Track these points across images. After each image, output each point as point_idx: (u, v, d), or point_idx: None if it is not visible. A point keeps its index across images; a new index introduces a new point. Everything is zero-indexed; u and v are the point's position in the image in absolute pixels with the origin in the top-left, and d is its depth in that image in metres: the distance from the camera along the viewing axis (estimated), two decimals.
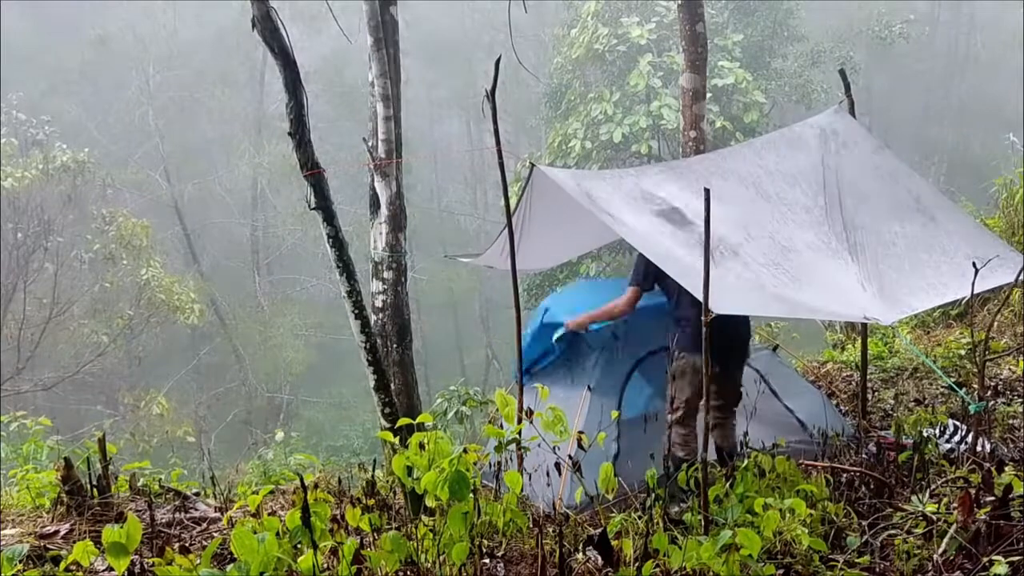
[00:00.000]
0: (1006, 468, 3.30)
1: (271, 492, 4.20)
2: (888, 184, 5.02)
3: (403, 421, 2.82)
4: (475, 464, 2.50)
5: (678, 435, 4.67)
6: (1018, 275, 4.08)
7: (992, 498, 2.84)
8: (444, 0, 29.54)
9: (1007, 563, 2.50)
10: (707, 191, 3.15)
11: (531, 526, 3.07)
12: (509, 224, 4.49)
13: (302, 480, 2.46)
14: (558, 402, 3.00)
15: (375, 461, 4.23)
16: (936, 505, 3.08)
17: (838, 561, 2.88)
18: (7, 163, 15.00)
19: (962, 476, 3.38)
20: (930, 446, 4.16)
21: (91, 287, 17.58)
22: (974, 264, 3.80)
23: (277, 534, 2.24)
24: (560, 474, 3.54)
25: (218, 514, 3.82)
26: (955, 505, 2.85)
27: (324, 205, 4.12)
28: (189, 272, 23.44)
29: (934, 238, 4.70)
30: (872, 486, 3.78)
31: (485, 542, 3.02)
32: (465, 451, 2.43)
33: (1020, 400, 5.70)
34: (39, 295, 16.15)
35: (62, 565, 2.43)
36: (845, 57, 18.10)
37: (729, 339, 4.59)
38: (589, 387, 5.07)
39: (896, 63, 28.00)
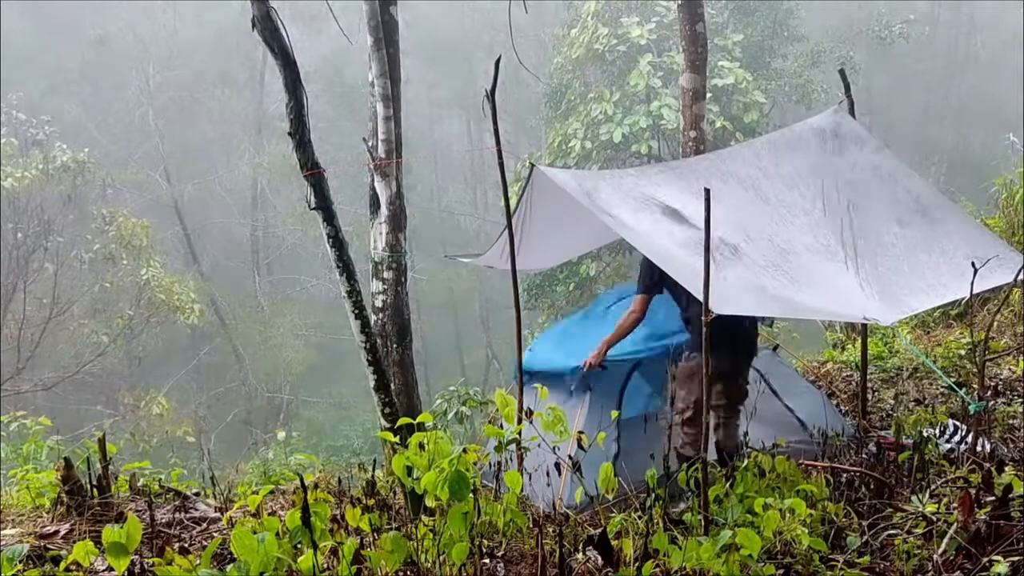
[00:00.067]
0: (1006, 468, 3.29)
1: (271, 492, 4.20)
2: (888, 184, 5.02)
3: (403, 421, 2.82)
4: (475, 464, 2.50)
5: (687, 435, 4.68)
6: (1018, 275, 4.08)
7: (992, 498, 2.84)
8: (444, 0, 29.54)
9: (1007, 563, 2.50)
10: (707, 191, 3.15)
11: (531, 526, 3.07)
12: (509, 224, 4.49)
13: (302, 480, 2.46)
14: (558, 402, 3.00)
15: (375, 461, 4.23)
16: (936, 505, 3.08)
17: (838, 561, 2.88)
18: (7, 163, 15.00)
19: (962, 476, 3.38)
20: (930, 446, 4.16)
21: (91, 287, 17.58)
22: (973, 264, 3.80)
23: (277, 534, 2.24)
24: (560, 474, 3.54)
25: (218, 514, 3.82)
26: (955, 505, 2.85)
27: (324, 205, 4.13)
28: (189, 272, 23.44)
29: (934, 239, 4.70)
30: (872, 486, 3.78)
31: (485, 542, 3.02)
32: (465, 451, 2.43)
33: (1020, 400, 5.70)
34: (39, 295, 16.15)
35: (62, 565, 2.43)
36: (845, 57, 18.10)
37: (739, 339, 4.65)
38: (589, 387, 5.07)
39: (896, 63, 28.00)
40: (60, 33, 28.44)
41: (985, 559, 2.57)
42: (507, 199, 4.48)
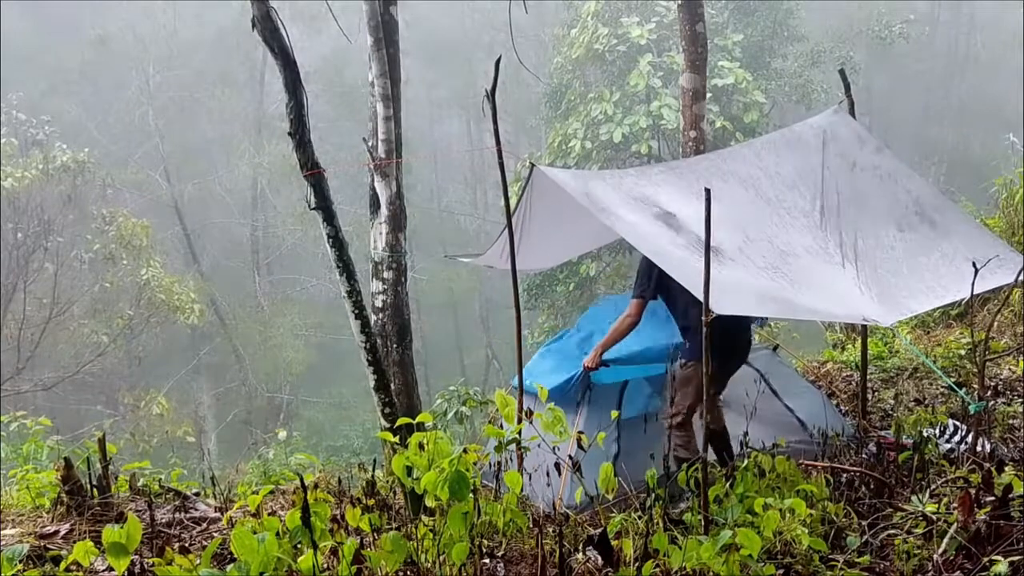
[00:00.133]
0: (1006, 468, 3.29)
1: (271, 492, 4.20)
2: (888, 185, 5.01)
3: (403, 421, 2.82)
4: (475, 464, 2.50)
5: (679, 438, 4.70)
6: (1018, 275, 4.08)
7: (992, 498, 2.84)
8: (444, 0, 29.54)
9: (1007, 563, 2.50)
10: (707, 191, 3.15)
11: (531, 526, 3.07)
12: (509, 224, 4.49)
13: (302, 480, 2.45)
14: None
15: (375, 461, 4.23)
16: (936, 505, 3.08)
17: (838, 561, 2.88)
18: (7, 163, 15.00)
19: (962, 476, 3.38)
20: (930, 446, 4.16)
21: (91, 287, 17.58)
22: (974, 264, 3.80)
23: (277, 534, 2.24)
24: (560, 474, 3.54)
25: (218, 514, 3.82)
26: (955, 505, 2.84)
27: (324, 205, 4.13)
28: (189, 272, 23.44)
29: (933, 240, 4.70)
30: (872, 486, 3.78)
31: (485, 542, 3.02)
32: (465, 451, 2.43)
33: (1020, 400, 5.70)
34: (39, 295, 16.15)
35: (62, 565, 2.43)
36: (845, 57, 18.11)
37: (733, 345, 4.71)
38: (590, 383, 5.07)
39: (896, 63, 28.00)
40: (60, 33, 28.44)
41: (985, 559, 2.57)
42: (507, 199, 4.48)
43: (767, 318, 6.01)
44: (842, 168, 4.97)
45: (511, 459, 3.67)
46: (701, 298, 3.23)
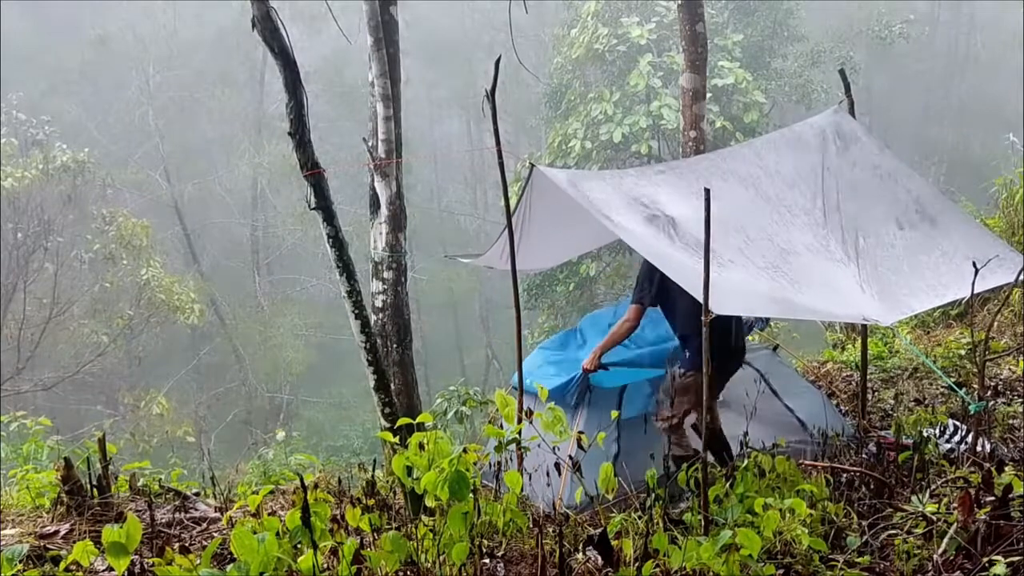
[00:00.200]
0: (1006, 468, 3.29)
1: (271, 492, 4.20)
2: (888, 185, 5.02)
3: (403, 421, 2.82)
4: (475, 464, 2.50)
5: (672, 439, 4.73)
6: (1018, 275, 4.08)
7: (992, 498, 2.84)
8: (444, 0, 29.54)
9: (1007, 563, 2.50)
10: (707, 191, 3.15)
11: (531, 526, 3.07)
12: (509, 224, 4.49)
13: (302, 480, 2.46)
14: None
15: (375, 461, 4.23)
16: (936, 505, 3.08)
17: (838, 561, 2.88)
18: (7, 163, 15.00)
19: (962, 476, 3.38)
20: (930, 446, 4.16)
21: (91, 287, 17.58)
22: (974, 264, 3.80)
23: (277, 534, 2.24)
24: (560, 474, 3.54)
25: (218, 514, 3.82)
26: (955, 505, 2.84)
27: (324, 205, 4.13)
28: (189, 272, 23.44)
29: (934, 239, 4.70)
30: (872, 486, 3.78)
31: (485, 542, 3.02)
32: (465, 451, 2.43)
33: (1020, 400, 5.70)
34: (39, 295, 16.16)
35: (62, 565, 2.43)
36: (845, 57, 18.10)
37: (730, 350, 4.75)
38: (589, 386, 5.07)
39: (896, 63, 28.00)
40: (60, 33, 28.44)
41: (985, 559, 2.57)
42: (507, 199, 4.48)
43: (768, 320, 6.02)
44: (842, 167, 4.97)
45: (511, 459, 3.67)
46: (701, 300, 3.23)
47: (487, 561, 3.00)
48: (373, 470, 3.89)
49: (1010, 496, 2.82)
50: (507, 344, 24.73)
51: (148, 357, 20.65)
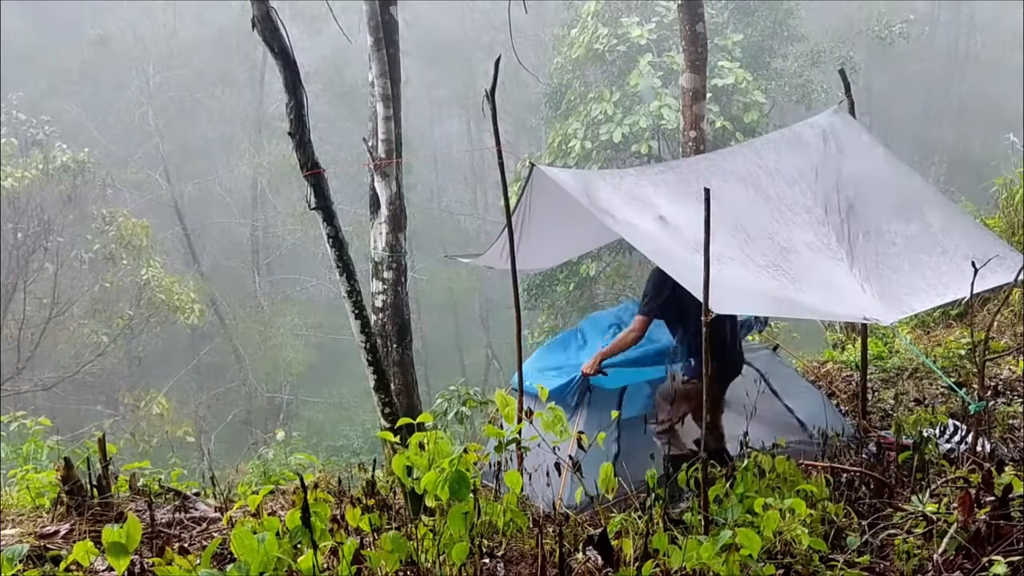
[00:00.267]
0: (1006, 468, 3.29)
1: (271, 492, 4.20)
2: (888, 184, 5.02)
3: (403, 421, 2.82)
4: (475, 464, 2.50)
5: (668, 440, 4.75)
6: (1018, 275, 4.08)
7: (992, 498, 2.84)
8: (444, 0, 29.54)
9: (1007, 563, 2.50)
10: (707, 191, 3.15)
11: (531, 526, 3.07)
12: (509, 224, 4.49)
13: (302, 480, 2.45)
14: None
15: (375, 461, 4.23)
16: (936, 505, 3.08)
17: (838, 561, 2.88)
18: (7, 163, 15.00)
19: (962, 476, 3.38)
20: (930, 446, 4.15)
21: (91, 287, 17.58)
22: (973, 264, 3.80)
23: (277, 534, 2.24)
24: (560, 474, 3.54)
25: (218, 514, 3.82)
26: (955, 505, 2.84)
27: (324, 205, 4.13)
28: (189, 272, 23.44)
29: (934, 238, 4.70)
30: (872, 486, 3.78)
31: (485, 542, 3.02)
32: (465, 451, 2.43)
33: (1020, 400, 5.70)
34: (39, 295, 16.15)
35: (62, 565, 2.43)
36: (845, 57, 18.10)
37: (727, 364, 4.75)
38: (589, 386, 5.07)
39: (896, 63, 28.00)
40: (60, 33, 28.44)
41: (985, 559, 2.57)
42: (507, 199, 4.48)
43: (767, 321, 6.01)
44: (842, 167, 4.97)
45: (511, 459, 3.67)
46: (700, 299, 3.23)
47: (487, 561, 3.00)
48: (373, 470, 3.89)
49: (1010, 496, 2.82)
50: (507, 344, 24.72)
51: (148, 357, 20.65)
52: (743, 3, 16.85)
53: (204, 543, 3.38)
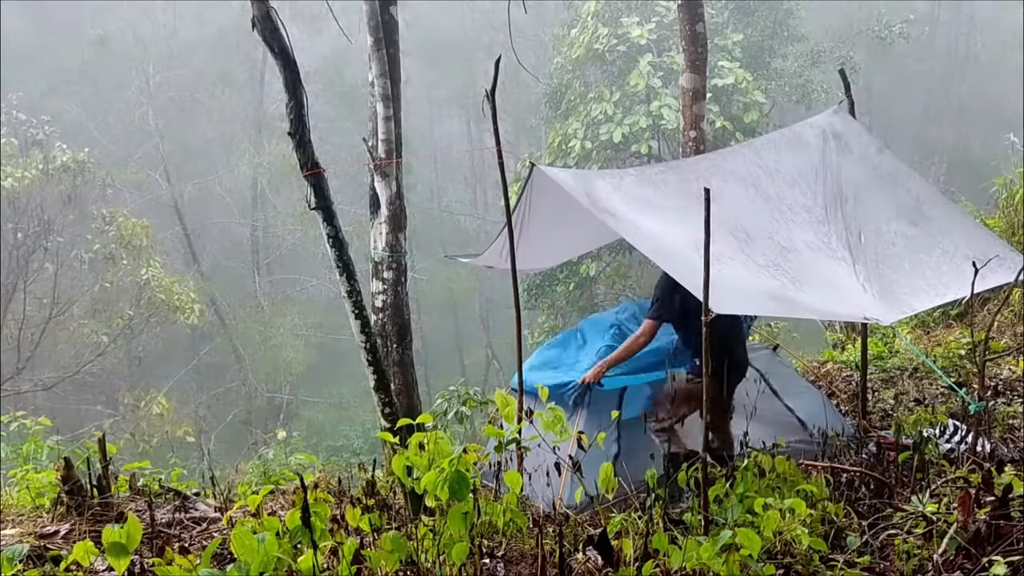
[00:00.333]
0: (1006, 468, 3.29)
1: (271, 492, 4.20)
2: (888, 184, 5.02)
3: (403, 421, 2.82)
4: (475, 464, 2.50)
5: (668, 439, 4.74)
6: (1018, 275, 4.08)
7: (992, 498, 2.84)
8: (444, 0, 29.54)
9: (1007, 563, 2.50)
10: (707, 191, 3.15)
11: (531, 526, 3.07)
12: (509, 224, 4.49)
13: (302, 480, 2.45)
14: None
15: (375, 461, 4.23)
16: (936, 505, 3.08)
17: (838, 561, 2.88)
18: (7, 163, 15.00)
19: (962, 476, 3.38)
20: (930, 446, 4.15)
21: (91, 287, 17.59)
22: (974, 264, 3.80)
23: (277, 534, 2.24)
24: (560, 474, 3.54)
25: (218, 514, 3.82)
26: (955, 505, 2.84)
27: (324, 205, 4.13)
28: (189, 272, 23.44)
29: (934, 238, 4.70)
30: (872, 486, 3.78)
31: (485, 542, 3.02)
32: (465, 451, 2.43)
33: (1020, 400, 5.70)
34: (39, 295, 16.16)
35: (62, 565, 2.43)
36: (845, 57, 18.11)
37: (732, 367, 4.71)
38: (589, 388, 5.06)
39: (896, 63, 28.00)
40: (60, 33, 28.45)
41: (985, 559, 2.57)
42: (507, 199, 4.48)
43: (755, 318, 6.01)
44: (842, 167, 4.97)
45: (511, 459, 3.67)
46: (700, 298, 3.23)
47: (487, 561, 3.00)
48: (373, 470, 3.89)
49: (1010, 496, 2.82)
50: (507, 344, 24.73)
51: (148, 357, 20.65)
52: (743, 3, 16.85)
53: (204, 543, 3.38)
